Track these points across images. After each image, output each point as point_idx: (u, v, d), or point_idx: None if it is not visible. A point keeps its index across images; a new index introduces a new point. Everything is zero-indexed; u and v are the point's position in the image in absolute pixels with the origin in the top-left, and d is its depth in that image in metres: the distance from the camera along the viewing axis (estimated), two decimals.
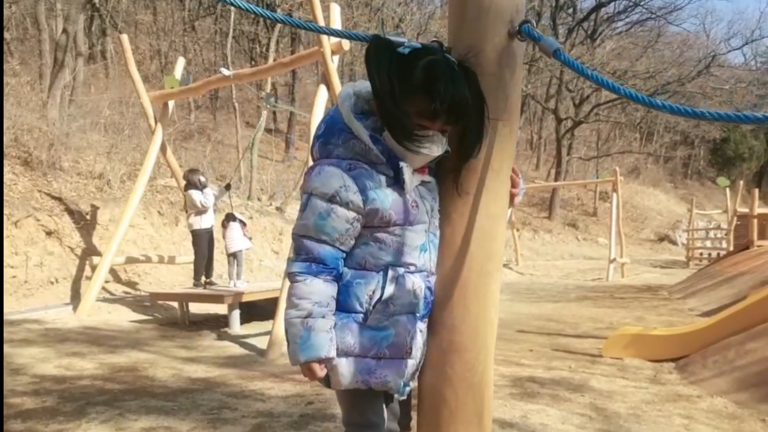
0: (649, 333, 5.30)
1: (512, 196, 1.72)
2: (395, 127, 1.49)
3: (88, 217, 9.63)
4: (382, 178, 1.54)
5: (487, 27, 1.58)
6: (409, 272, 1.57)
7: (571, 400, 3.78)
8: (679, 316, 8.04)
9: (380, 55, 1.47)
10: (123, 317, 7.47)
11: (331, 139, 1.55)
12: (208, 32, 24.45)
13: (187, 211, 7.60)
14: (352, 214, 1.50)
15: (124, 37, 8.41)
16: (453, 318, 1.62)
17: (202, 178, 7.59)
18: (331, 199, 1.49)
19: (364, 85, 1.57)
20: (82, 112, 13.45)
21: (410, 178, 1.54)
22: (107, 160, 11.60)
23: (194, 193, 7.35)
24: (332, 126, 1.57)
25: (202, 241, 7.48)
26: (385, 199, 1.52)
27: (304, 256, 1.52)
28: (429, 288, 1.62)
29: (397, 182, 1.54)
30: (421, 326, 1.61)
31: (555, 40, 1.54)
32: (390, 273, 1.54)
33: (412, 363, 1.59)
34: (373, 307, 1.54)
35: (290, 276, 1.53)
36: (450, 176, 1.63)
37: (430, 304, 1.63)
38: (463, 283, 1.62)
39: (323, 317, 1.50)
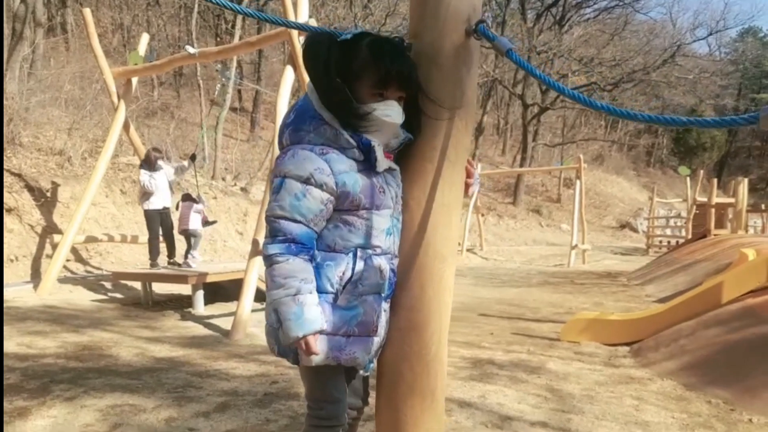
0: (605, 318, 5.50)
1: (467, 186, 1.83)
2: (340, 109, 1.57)
3: (48, 194, 9.41)
4: (353, 163, 1.60)
5: (445, 25, 1.66)
6: (375, 254, 1.64)
7: (528, 382, 3.91)
8: (636, 302, 8.33)
9: (315, 47, 1.57)
10: (85, 296, 7.37)
11: (303, 125, 1.59)
12: (172, 6, 23.84)
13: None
14: (326, 196, 1.55)
15: (87, 12, 8.17)
16: (411, 299, 1.71)
17: (160, 161, 7.51)
18: (307, 181, 1.53)
19: None
20: (42, 87, 13.04)
21: (381, 156, 1.61)
22: (68, 136, 11.31)
23: (142, 174, 7.34)
24: (303, 114, 1.61)
25: (153, 223, 7.48)
26: (355, 183, 1.58)
27: (282, 237, 1.55)
28: (392, 270, 1.70)
29: (366, 167, 1.61)
30: (385, 306, 1.69)
31: (508, 40, 1.64)
32: (359, 254, 1.61)
33: (377, 340, 1.68)
34: (343, 287, 1.61)
35: (270, 258, 1.55)
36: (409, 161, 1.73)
37: (393, 285, 1.71)
38: (420, 266, 1.72)
39: (310, 293, 1.54)
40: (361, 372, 1.77)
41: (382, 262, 1.65)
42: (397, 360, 1.73)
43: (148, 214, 7.45)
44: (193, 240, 7.66)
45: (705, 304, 4.91)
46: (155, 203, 7.41)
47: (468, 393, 3.59)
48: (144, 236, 9.43)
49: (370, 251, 1.63)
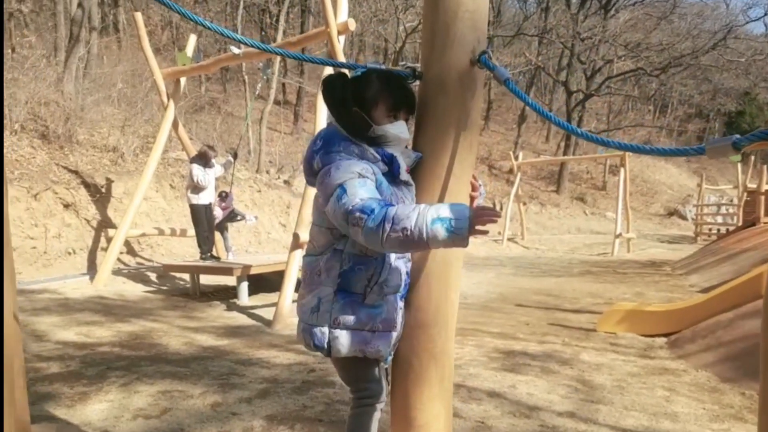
0: (643, 309, 5.47)
1: (472, 199, 2.01)
2: (361, 132, 1.79)
3: (103, 190, 9.90)
4: (380, 173, 1.80)
5: (452, 56, 1.86)
6: (398, 258, 1.85)
7: (559, 373, 3.98)
8: (679, 292, 8.19)
9: (331, 89, 1.83)
10: (137, 288, 7.76)
11: (332, 148, 1.79)
12: (219, 3, 24.37)
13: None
14: (375, 185, 1.74)
15: (138, 16, 8.52)
16: (419, 299, 1.91)
17: (213, 160, 7.75)
18: (360, 175, 1.70)
19: None
20: (96, 86, 13.62)
21: (403, 164, 1.82)
22: (121, 133, 11.81)
23: (196, 168, 7.52)
24: (331, 139, 1.82)
25: (200, 216, 7.69)
26: (387, 187, 1.78)
27: (370, 210, 1.61)
28: (407, 272, 1.90)
29: (389, 179, 1.80)
30: (401, 304, 1.89)
31: (506, 70, 1.84)
32: (387, 259, 1.81)
33: (395, 335, 1.88)
34: (371, 288, 1.80)
35: (377, 231, 1.56)
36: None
37: (407, 286, 1.91)
38: (428, 270, 1.91)
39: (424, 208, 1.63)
40: (382, 363, 1.95)
41: (402, 265, 1.85)
42: (407, 353, 1.91)
43: (196, 208, 7.68)
44: (222, 236, 8.00)
45: (745, 295, 4.84)
46: (204, 198, 7.65)
47: (498, 383, 3.69)
48: (192, 229, 9.85)
49: (394, 256, 1.82)
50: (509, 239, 17.70)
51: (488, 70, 1.87)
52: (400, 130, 1.83)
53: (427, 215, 1.54)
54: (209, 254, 7.80)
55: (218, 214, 7.97)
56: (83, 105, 12.04)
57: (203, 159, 7.64)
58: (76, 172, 9.71)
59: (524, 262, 13.17)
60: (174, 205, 11.14)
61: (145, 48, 8.51)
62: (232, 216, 8.34)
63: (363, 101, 1.80)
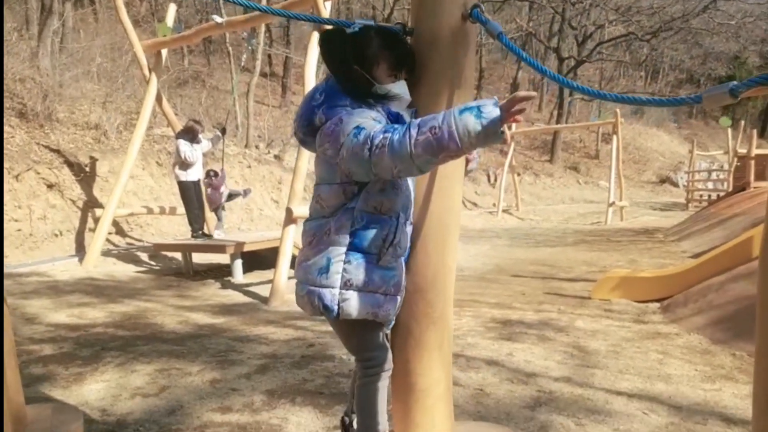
0: (636, 275, 5.50)
1: (467, 161, 2.00)
2: (362, 92, 1.72)
3: (87, 169, 9.75)
4: None
5: (444, 10, 1.81)
6: (407, 220, 1.83)
7: (555, 340, 4.00)
8: (671, 258, 8.25)
9: (329, 45, 1.76)
10: (128, 268, 7.71)
11: (337, 102, 1.72)
12: None
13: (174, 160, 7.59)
14: None
15: None
16: (417, 264, 1.90)
17: (201, 135, 7.60)
18: (374, 119, 1.66)
19: None
20: (74, 60, 13.31)
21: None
22: (103, 110, 11.60)
23: (183, 143, 7.31)
24: (333, 93, 1.75)
25: (190, 193, 7.52)
26: None
27: (393, 127, 1.55)
28: (409, 235, 1.88)
29: None
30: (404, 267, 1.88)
31: (498, 24, 1.78)
32: (401, 219, 1.77)
33: (400, 299, 1.86)
34: (386, 250, 1.75)
35: (402, 143, 1.49)
36: None
37: (408, 250, 1.89)
38: (425, 234, 1.89)
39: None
40: (385, 329, 1.91)
41: (408, 228, 1.84)
42: (406, 319, 1.91)
43: (185, 185, 7.51)
44: (218, 214, 7.88)
45: (736, 259, 4.88)
46: (192, 175, 7.49)
47: (496, 351, 3.71)
48: (182, 207, 9.75)
49: (404, 217, 1.79)
50: (504, 211, 17.72)
51: (480, 24, 1.81)
52: (402, 90, 1.77)
53: (453, 110, 1.48)
54: (200, 232, 7.71)
55: (215, 197, 7.77)
56: (61, 81, 11.78)
57: (190, 134, 7.46)
58: (58, 151, 9.55)
59: (519, 233, 13.20)
60: (162, 182, 11.02)
61: (123, 20, 8.29)
62: (230, 196, 8.16)
63: (363, 59, 1.72)
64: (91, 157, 9.99)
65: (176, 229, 10.22)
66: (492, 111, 1.44)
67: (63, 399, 2.93)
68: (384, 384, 1.88)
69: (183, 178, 7.49)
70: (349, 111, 1.67)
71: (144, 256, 8.50)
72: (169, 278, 7.12)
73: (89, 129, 11.04)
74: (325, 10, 6.05)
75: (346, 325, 1.82)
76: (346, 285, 1.72)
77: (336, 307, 1.73)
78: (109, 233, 8.77)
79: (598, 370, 3.31)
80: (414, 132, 1.48)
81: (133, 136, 8.50)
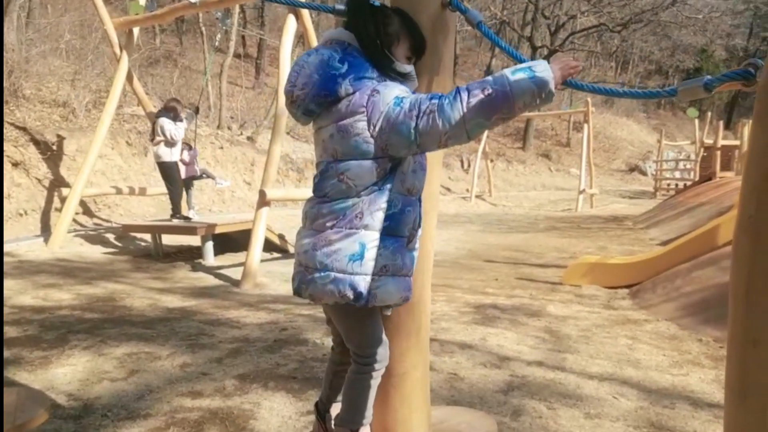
0: (606, 261, 5.60)
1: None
2: (384, 66, 1.66)
3: (54, 147, 9.47)
4: None
5: None
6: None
7: (528, 324, 4.05)
8: (640, 245, 8.43)
9: (360, 11, 1.69)
10: (95, 249, 7.54)
11: (365, 74, 1.63)
12: None
13: (153, 140, 7.31)
14: None
15: None
16: None
17: (182, 113, 7.37)
18: (407, 92, 1.62)
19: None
20: (41, 37, 12.88)
21: None
22: (71, 87, 11.26)
23: (167, 122, 7.06)
24: (358, 64, 1.64)
25: (174, 173, 7.30)
26: None
27: (438, 94, 1.54)
28: None
29: None
30: None
31: (478, 12, 1.80)
32: (422, 200, 1.76)
33: None
34: (416, 231, 1.73)
35: (455, 95, 1.49)
36: None
37: None
38: None
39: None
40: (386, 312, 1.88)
41: None
42: None
43: (169, 165, 7.21)
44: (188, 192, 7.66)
45: (702, 247, 5.00)
46: (175, 154, 7.25)
47: (470, 336, 3.73)
48: (152, 188, 9.55)
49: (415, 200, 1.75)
50: (477, 196, 17.85)
51: (460, 12, 1.82)
52: (414, 73, 1.75)
53: (505, 71, 1.47)
54: (180, 214, 7.53)
55: (190, 171, 7.56)
56: (28, 57, 11.40)
57: (171, 113, 7.20)
58: (24, 129, 9.25)
59: (492, 219, 13.31)
60: (131, 162, 10.78)
61: None
62: (200, 175, 7.98)
63: (385, 35, 1.67)
64: (59, 136, 9.70)
65: (145, 209, 10.02)
66: (544, 71, 1.44)
67: (28, 383, 2.85)
68: (377, 380, 1.83)
69: (167, 158, 7.18)
70: (385, 83, 1.61)
71: (112, 238, 8.32)
72: (138, 260, 6.98)
73: (57, 107, 10.72)
74: None
75: (359, 316, 1.72)
76: (382, 271, 1.64)
77: (368, 295, 1.63)
78: (77, 213, 8.56)
79: (569, 355, 3.36)
80: (465, 95, 1.46)
81: (102, 114, 8.26)
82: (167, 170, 7.28)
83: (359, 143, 1.58)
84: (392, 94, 1.56)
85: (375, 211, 1.62)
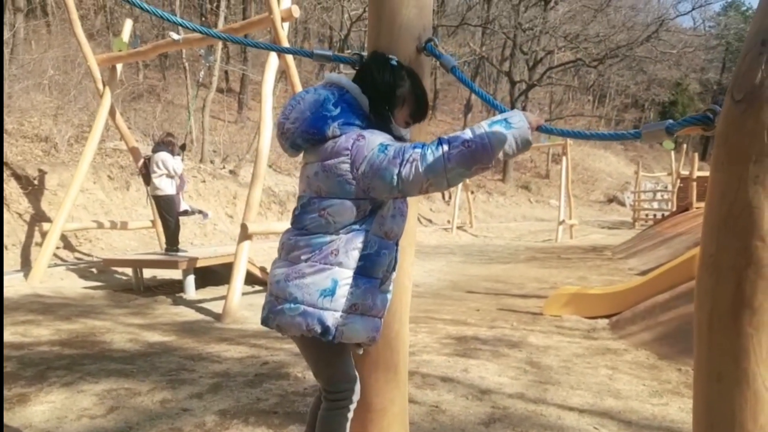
0: (586, 292, 5.67)
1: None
2: (381, 125, 1.72)
3: (35, 182, 9.41)
4: None
5: (400, 43, 1.88)
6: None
7: (509, 356, 4.07)
8: (619, 275, 8.54)
9: (381, 63, 1.75)
10: (76, 284, 7.44)
11: (354, 121, 1.69)
12: None
13: (147, 174, 7.25)
14: None
15: None
16: None
17: (178, 148, 7.39)
18: (392, 141, 1.67)
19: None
20: (25, 72, 12.90)
21: None
22: (53, 122, 11.25)
23: (168, 156, 7.05)
24: (353, 111, 1.70)
25: (174, 206, 7.23)
26: None
27: (421, 143, 1.59)
28: None
29: None
30: None
31: (452, 57, 1.89)
32: (399, 245, 1.80)
33: None
34: (389, 274, 1.77)
35: (437, 146, 1.54)
36: None
37: None
38: None
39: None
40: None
41: None
42: None
43: (169, 198, 7.17)
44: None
45: (680, 277, 5.08)
46: (174, 188, 7.23)
47: (451, 368, 3.74)
48: (134, 221, 9.49)
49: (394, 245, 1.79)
50: (458, 228, 17.97)
51: (435, 57, 1.90)
52: (409, 137, 1.80)
53: (482, 124, 1.53)
54: (176, 246, 7.39)
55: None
56: (11, 92, 11.40)
57: (169, 146, 7.21)
58: (5, 164, 9.19)
59: (473, 250, 13.39)
60: (113, 196, 10.73)
61: (77, 33, 8.11)
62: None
63: (392, 97, 1.72)
64: (40, 170, 9.65)
65: (127, 243, 9.94)
66: (520, 121, 1.53)
67: (6, 422, 2.80)
68: (350, 416, 1.83)
69: (169, 191, 7.14)
70: (371, 131, 1.66)
71: (93, 272, 8.22)
72: (119, 294, 6.91)
73: (39, 141, 10.68)
74: (283, 30, 6.06)
75: (326, 351, 1.74)
76: (352, 309, 1.67)
77: (335, 331, 1.66)
78: (57, 248, 8.46)
79: (550, 386, 3.39)
80: (446, 146, 1.53)
81: (84, 149, 8.24)
82: (168, 203, 7.23)
83: (342, 183, 1.63)
84: (377, 141, 1.61)
85: (351, 249, 1.66)
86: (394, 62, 1.75)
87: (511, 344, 4.41)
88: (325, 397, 1.82)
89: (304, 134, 1.69)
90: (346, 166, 1.61)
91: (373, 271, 1.70)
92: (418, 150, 1.55)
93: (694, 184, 13.20)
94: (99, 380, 3.47)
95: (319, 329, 1.65)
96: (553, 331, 4.89)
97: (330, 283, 1.65)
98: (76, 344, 4.46)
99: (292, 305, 1.66)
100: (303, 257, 1.68)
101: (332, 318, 1.65)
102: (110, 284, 7.61)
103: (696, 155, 14.94)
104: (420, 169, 1.53)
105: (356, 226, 1.66)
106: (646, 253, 10.11)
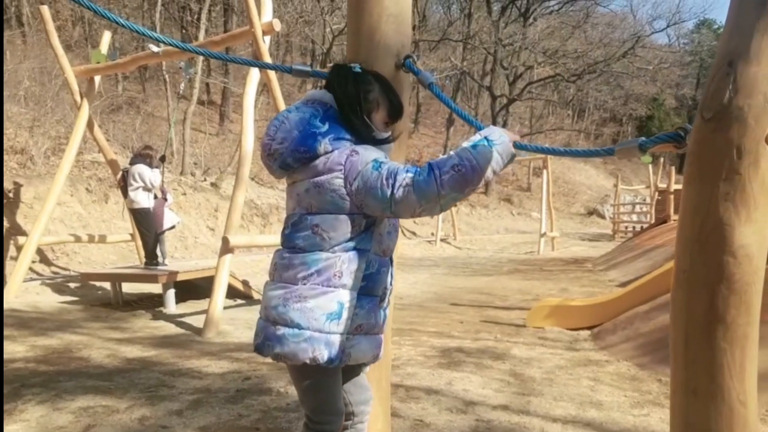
0: (568, 304, 5.71)
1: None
2: (362, 133, 1.70)
3: (11, 194, 9.25)
4: None
5: (378, 60, 1.91)
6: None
7: (493, 368, 4.08)
8: (600, 287, 8.62)
9: (344, 79, 1.72)
10: (52, 298, 7.29)
11: (343, 134, 1.67)
12: None
13: (125, 187, 7.12)
14: None
15: (45, 9, 7.98)
16: None
17: (156, 161, 7.30)
18: (386, 157, 1.68)
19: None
20: None
21: None
22: (29, 134, 11.08)
23: (146, 169, 6.96)
24: (337, 126, 1.67)
25: (152, 219, 7.11)
26: None
27: (414, 168, 1.59)
28: None
29: None
30: None
31: (430, 74, 1.93)
32: (393, 260, 1.80)
33: None
34: (388, 291, 1.77)
35: (428, 181, 1.53)
36: None
37: None
38: None
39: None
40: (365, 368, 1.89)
41: None
42: None
43: (146, 211, 7.06)
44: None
45: (659, 288, 5.15)
46: (152, 201, 7.11)
47: (435, 381, 3.73)
48: (112, 235, 9.36)
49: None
50: (442, 240, 18.03)
51: (413, 74, 1.92)
52: (391, 139, 1.80)
53: (465, 146, 1.54)
54: (156, 261, 7.24)
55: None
56: None
57: (147, 159, 7.10)
58: None
59: (457, 262, 13.43)
60: (91, 209, 10.58)
61: (54, 44, 8.00)
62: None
63: (365, 102, 1.70)
64: (15, 183, 9.48)
65: (106, 257, 9.79)
66: (501, 137, 1.56)
67: None
68: None
69: (146, 204, 7.02)
70: (364, 146, 1.65)
71: (70, 287, 8.07)
72: (97, 309, 6.78)
73: (14, 153, 10.52)
74: (264, 44, 6.06)
75: (318, 379, 1.68)
76: (357, 330, 1.66)
77: (342, 354, 1.63)
78: (33, 262, 8.31)
79: (533, 398, 3.39)
80: (437, 172, 1.52)
81: (62, 161, 8.11)
82: (144, 216, 7.13)
83: (335, 199, 1.60)
84: (371, 156, 1.61)
85: (353, 271, 1.63)
86: (357, 69, 1.74)
87: (495, 356, 4.41)
88: (306, 423, 1.78)
89: (294, 153, 1.65)
90: (340, 182, 1.59)
91: (375, 289, 1.70)
92: (411, 176, 1.54)
93: (672, 196, 13.41)
94: (76, 397, 3.39)
95: (325, 355, 1.60)
96: (536, 343, 4.90)
97: (336, 306, 1.61)
98: (52, 360, 4.37)
99: (296, 330, 1.60)
100: (300, 276, 1.63)
101: (339, 341, 1.62)
102: (88, 299, 7.47)
103: (673, 169, 15.19)
104: (413, 196, 1.53)
105: (353, 244, 1.63)
106: (626, 265, 10.22)
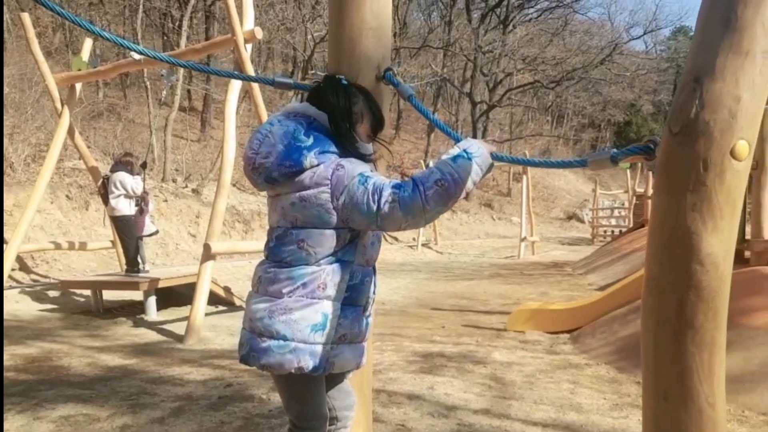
0: (547, 307, 5.79)
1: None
2: (349, 145, 1.72)
3: None
4: None
5: (359, 71, 1.95)
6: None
7: (474, 372, 4.13)
8: (579, 290, 8.74)
9: (335, 91, 1.75)
10: (32, 306, 7.20)
11: (329, 148, 1.67)
12: (117, 6, 23.14)
13: (106, 194, 7.04)
14: None
15: (25, 17, 7.89)
16: None
17: (137, 168, 7.25)
18: (372, 171, 1.70)
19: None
20: None
21: None
22: (9, 141, 10.93)
23: (128, 176, 6.91)
24: (323, 139, 1.68)
25: (133, 227, 7.06)
26: None
27: (398, 184, 1.60)
28: None
29: None
30: None
31: (410, 87, 1.99)
32: (376, 269, 1.82)
33: None
34: (371, 300, 1.79)
35: (413, 197, 1.55)
36: None
37: None
38: None
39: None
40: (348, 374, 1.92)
41: None
42: None
43: (128, 219, 7.01)
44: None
45: (637, 292, 5.24)
46: (133, 208, 7.06)
47: (417, 385, 3.77)
48: (93, 242, 9.26)
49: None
50: (423, 245, 18.11)
51: (393, 86, 1.97)
52: (373, 150, 1.82)
53: (446, 160, 1.59)
54: (137, 268, 7.17)
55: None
56: None
57: (129, 166, 7.07)
58: None
59: (438, 267, 13.50)
60: (72, 216, 10.46)
61: (34, 51, 7.91)
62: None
63: (350, 114, 1.72)
64: None
65: (86, 264, 9.68)
66: (478, 149, 1.62)
67: None
68: None
69: (127, 212, 6.97)
70: (350, 159, 1.66)
71: (50, 294, 7.97)
72: (77, 317, 6.71)
73: None
74: (246, 51, 6.07)
75: (302, 386, 1.72)
76: (341, 339, 1.68)
77: (326, 364, 1.66)
78: (13, 270, 8.19)
79: (514, 402, 3.44)
80: (421, 188, 1.55)
81: (42, 168, 7.99)
82: (125, 224, 7.08)
83: (321, 213, 1.61)
84: (357, 170, 1.62)
85: (337, 282, 1.65)
86: (344, 81, 1.78)
87: (476, 361, 4.46)
88: (290, 429, 1.80)
89: (280, 168, 1.64)
90: (326, 196, 1.60)
91: (359, 299, 1.72)
92: (396, 192, 1.56)
93: (649, 201, 13.65)
94: (56, 406, 3.37)
95: (310, 364, 1.63)
96: (517, 347, 4.97)
97: (321, 318, 1.63)
98: (32, 369, 4.32)
99: (281, 342, 1.62)
100: (285, 290, 1.64)
101: (323, 351, 1.64)
102: (68, 306, 7.39)
103: (651, 174, 15.45)
104: (399, 211, 1.55)
105: (337, 257, 1.66)
106: (605, 269, 10.37)
